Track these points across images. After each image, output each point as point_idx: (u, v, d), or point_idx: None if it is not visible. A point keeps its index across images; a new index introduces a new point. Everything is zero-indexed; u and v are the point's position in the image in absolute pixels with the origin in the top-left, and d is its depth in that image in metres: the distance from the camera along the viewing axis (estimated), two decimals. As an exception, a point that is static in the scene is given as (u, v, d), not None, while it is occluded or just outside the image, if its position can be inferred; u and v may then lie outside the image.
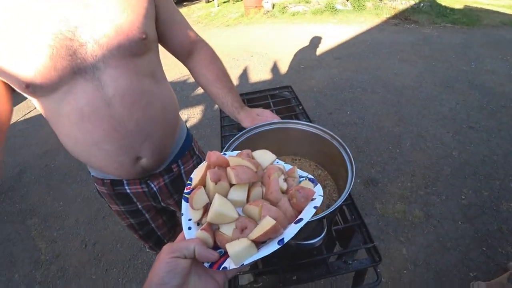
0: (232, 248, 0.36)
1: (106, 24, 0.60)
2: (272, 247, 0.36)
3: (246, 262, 0.35)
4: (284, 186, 0.45)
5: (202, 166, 0.46)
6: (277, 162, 0.52)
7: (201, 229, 0.39)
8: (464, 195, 1.96)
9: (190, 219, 0.43)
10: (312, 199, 0.43)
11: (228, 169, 0.43)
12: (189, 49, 0.88)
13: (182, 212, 0.44)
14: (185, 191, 0.46)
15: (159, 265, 0.34)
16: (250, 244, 0.36)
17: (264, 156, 0.50)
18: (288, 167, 0.51)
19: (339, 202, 0.60)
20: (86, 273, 1.75)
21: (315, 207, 0.41)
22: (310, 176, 0.51)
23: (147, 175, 0.85)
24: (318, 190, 0.45)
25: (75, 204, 2.23)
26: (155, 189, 0.89)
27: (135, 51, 0.65)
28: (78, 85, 0.61)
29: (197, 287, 0.37)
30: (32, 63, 0.56)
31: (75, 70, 0.59)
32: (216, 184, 0.42)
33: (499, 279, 1.37)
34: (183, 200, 0.45)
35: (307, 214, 0.40)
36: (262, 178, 0.46)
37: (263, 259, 0.36)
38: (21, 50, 0.55)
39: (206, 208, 0.42)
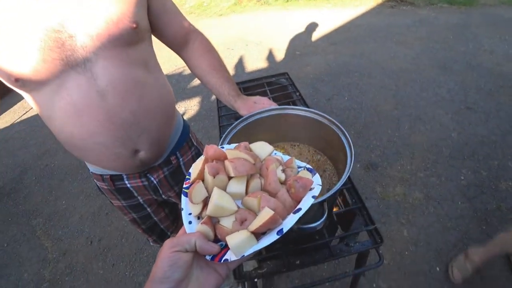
0: (232, 240, 0.36)
1: (96, 15, 0.59)
2: (271, 238, 0.37)
3: (246, 253, 0.36)
4: (283, 177, 0.45)
5: (200, 160, 0.46)
6: (275, 154, 0.52)
7: (201, 223, 0.40)
8: (463, 175, 1.98)
9: (190, 213, 0.43)
10: (311, 189, 0.43)
11: (226, 162, 0.43)
12: (184, 40, 0.86)
13: (182, 206, 0.44)
14: (184, 185, 0.47)
15: (161, 260, 0.35)
16: (250, 236, 0.37)
17: (262, 148, 0.50)
18: (286, 158, 0.51)
19: (339, 185, 0.61)
20: (93, 269, 1.78)
21: (313, 197, 0.41)
22: (308, 166, 0.51)
23: (146, 168, 0.85)
24: (317, 179, 0.46)
25: (77, 202, 2.24)
26: (155, 182, 0.89)
27: (127, 41, 0.64)
28: (70, 78, 0.60)
29: (199, 280, 0.37)
30: (21, 56, 0.55)
31: (66, 63, 0.58)
32: (214, 177, 0.42)
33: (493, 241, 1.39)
34: (182, 195, 0.45)
35: (306, 203, 0.41)
36: (260, 169, 0.46)
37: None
38: (9, 44, 0.54)
39: (205, 202, 0.42)
